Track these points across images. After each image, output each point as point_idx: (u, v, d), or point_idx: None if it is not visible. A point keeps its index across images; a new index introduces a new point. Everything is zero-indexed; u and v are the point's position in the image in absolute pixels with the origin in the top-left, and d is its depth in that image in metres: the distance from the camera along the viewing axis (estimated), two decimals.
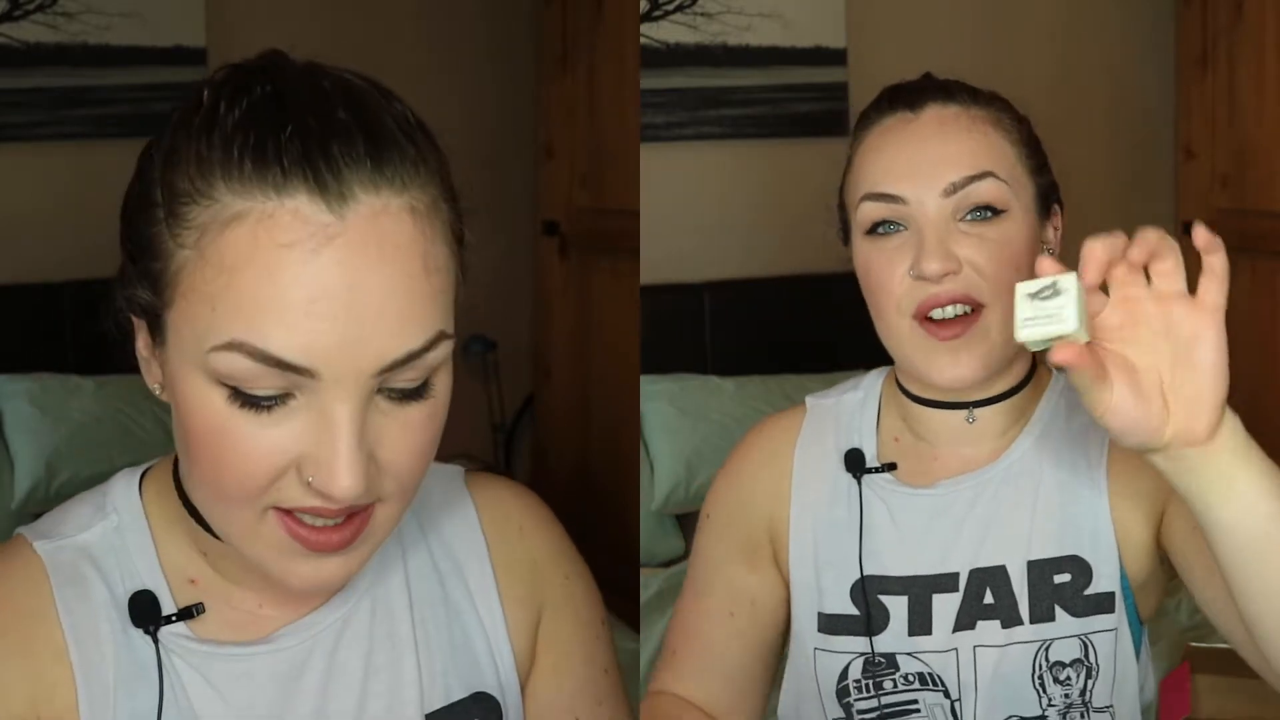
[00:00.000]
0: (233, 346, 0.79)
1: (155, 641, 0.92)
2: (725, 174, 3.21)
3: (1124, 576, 1.18)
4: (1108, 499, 1.18)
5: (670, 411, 2.82)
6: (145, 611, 0.93)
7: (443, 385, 0.86)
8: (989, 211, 1.15)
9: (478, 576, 1.04)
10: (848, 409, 1.29)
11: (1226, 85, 3.23)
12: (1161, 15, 3.43)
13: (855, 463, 1.25)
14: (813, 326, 3.09)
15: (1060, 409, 1.23)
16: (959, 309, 1.14)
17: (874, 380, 1.30)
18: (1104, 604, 1.18)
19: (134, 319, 0.88)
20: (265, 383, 0.80)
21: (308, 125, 0.80)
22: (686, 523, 2.82)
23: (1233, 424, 0.88)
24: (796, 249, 3.19)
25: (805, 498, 1.26)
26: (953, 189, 1.14)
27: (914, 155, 1.16)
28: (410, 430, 0.84)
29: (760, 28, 3.16)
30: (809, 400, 1.32)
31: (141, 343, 0.88)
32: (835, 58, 3.20)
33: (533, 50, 3.67)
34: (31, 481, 2.73)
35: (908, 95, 1.20)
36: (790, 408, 1.34)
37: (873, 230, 1.17)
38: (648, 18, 3.10)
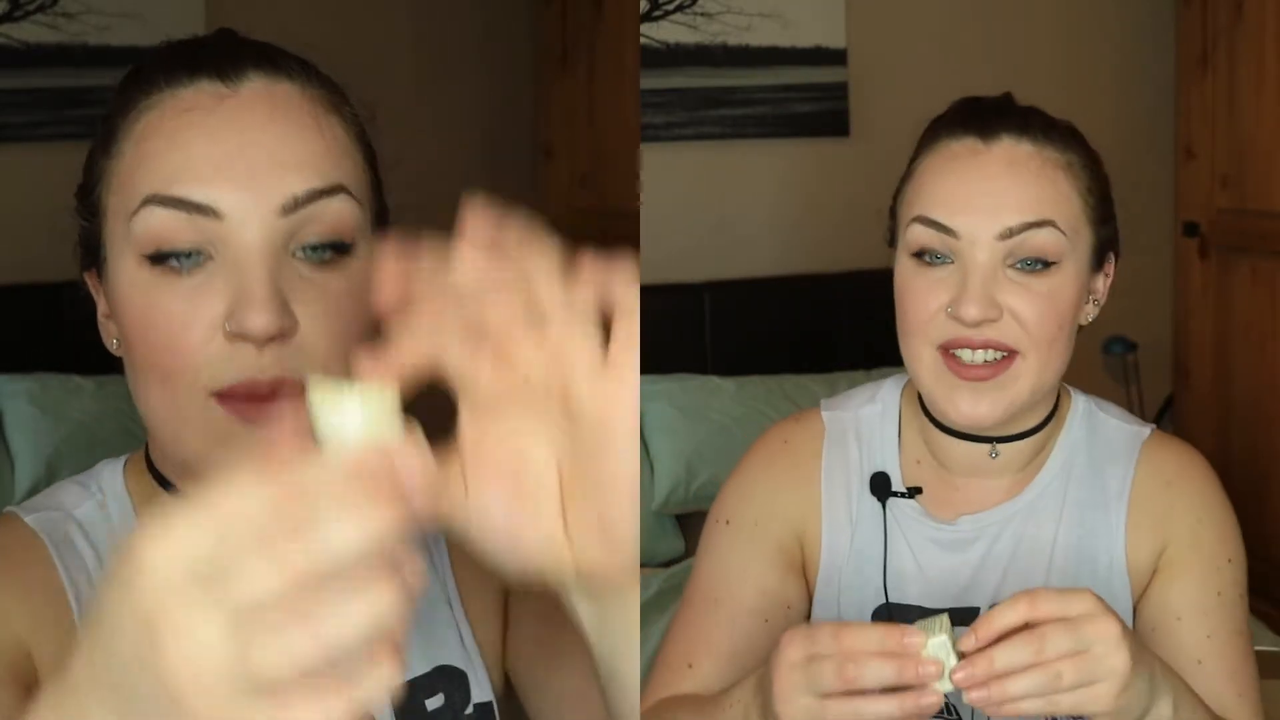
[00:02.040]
0: (146, 201, 0.86)
1: None
2: (725, 174, 3.21)
3: (1133, 609, 1.19)
4: (1125, 535, 1.19)
5: (670, 411, 2.82)
6: None
7: (363, 268, 0.89)
8: (1040, 264, 1.11)
9: (438, 550, 1.06)
10: (868, 424, 1.25)
11: (1226, 85, 3.23)
12: (1161, 15, 3.43)
13: (882, 487, 1.22)
14: (813, 326, 3.09)
15: (1081, 443, 1.22)
16: (990, 354, 1.11)
17: (892, 393, 1.26)
18: None
19: (91, 284, 0.94)
20: (181, 237, 0.86)
21: (211, 43, 0.93)
22: (686, 523, 2.82)
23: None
24: (797, 249, 3.19)
25: (834, 517, 1.23)
26: (1009, 233, 1.10)
27: (976, 190, 1.12)
28: (329, 297, 0.88)
29: (760, 28, 3.17)
30: (825, 413, 1.27)
31: (100, 307, 0.94)
32: (835, 58, 3.20)
33: (533, 50, 3.67)
34: (31, 481, 2.73)
35: (983, 120, 1.14)
36: (803, 414, 1.29)
37: (919, 254, 1.13)
38: (648, 18, 3.10)
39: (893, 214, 1.19)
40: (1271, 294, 3.13)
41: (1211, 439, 3.25)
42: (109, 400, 2.81)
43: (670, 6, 3.13)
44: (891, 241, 1.19)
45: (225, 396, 0.86)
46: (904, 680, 0.86)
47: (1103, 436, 1.23)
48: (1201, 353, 3.36)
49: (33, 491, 2.71)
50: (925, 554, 1.20)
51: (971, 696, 0.87)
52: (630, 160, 3.21)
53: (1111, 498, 1.20)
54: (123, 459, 1.03)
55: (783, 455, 1.26)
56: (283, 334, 0.86)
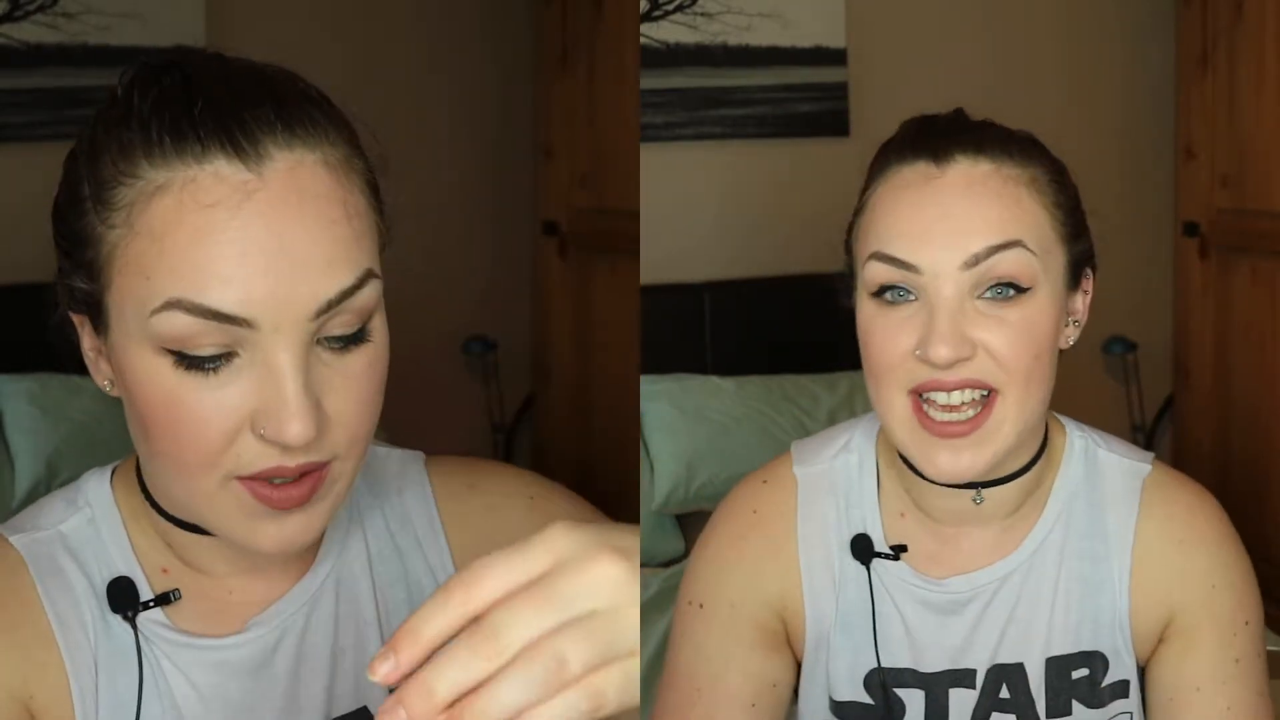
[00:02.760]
0: (171, 305, 0.82)
1: (134, 627, 0.94)
2: (725, 174, 3.21)
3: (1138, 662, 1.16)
4: (1129, 585, 1.13)
5: (670, 411, 2.82)
6: (123, 597, 0.95)
7: (379, 332, 0.89)
8: (1011, 289, 1.02)
9: (434, 549, 1.06)
10: (843, 477, 1.17)
11: (1226, 85, 3.23)
12: (1161, 15, 3.43)
13: (863, 551, 1.14)
14: (813, 326, 3.07)
15: (1080, 487, 1.15)
16: (967, 394, 1.03)
17: (865, 440, 1.18)
18: (1120, 691, 1.15)
19: (76, 321, 0.92)
20: (207, 340, 0.83)
21: (218, 98, 0.85)
22: (686, 523, 2.82)
23: None
24: (797, 249, 3.19)
25: (816, 584, 1.15)
26: (974, 260, 1.01)
27: (934, 219, 1.03)
28: (353, 380, 0.87)
29: (760, 28, 3.16)
30: (796, 469, 1.18)
31: (87, 342, 0.93)
32: (835, 58, 3.20)
33: (533, 50, 3.66)
34: (31, 481, 2.73)
35: (934, 142, 1.06)
36: (772, 472, 1.20)
37: (880, 292, 1.05)
38: (648, 18, 3.10)
39: (848, 249, 1.12)
40: (1271, 294, 3.13)
41: (1211, 439, 3.25)
42: (109, 400, 2.80)
43: (670, 6, 3.12)
44: (850, 290, 1.11)
45: (246, 479, 0.86)
46: None
47: (1102, 477, 1.16)
48: (1201, 353, 3.36)
49: (32, 491, 2.71)
50: (915, 616, 1.14)
51: None
52: (630, 160, 3.21)
53: (1114, 549, 1.13)
54: (109, 470, 1.02)
55: (754, 529, 1.17)
56: (318, 436, 0.85)
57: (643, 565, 2.69)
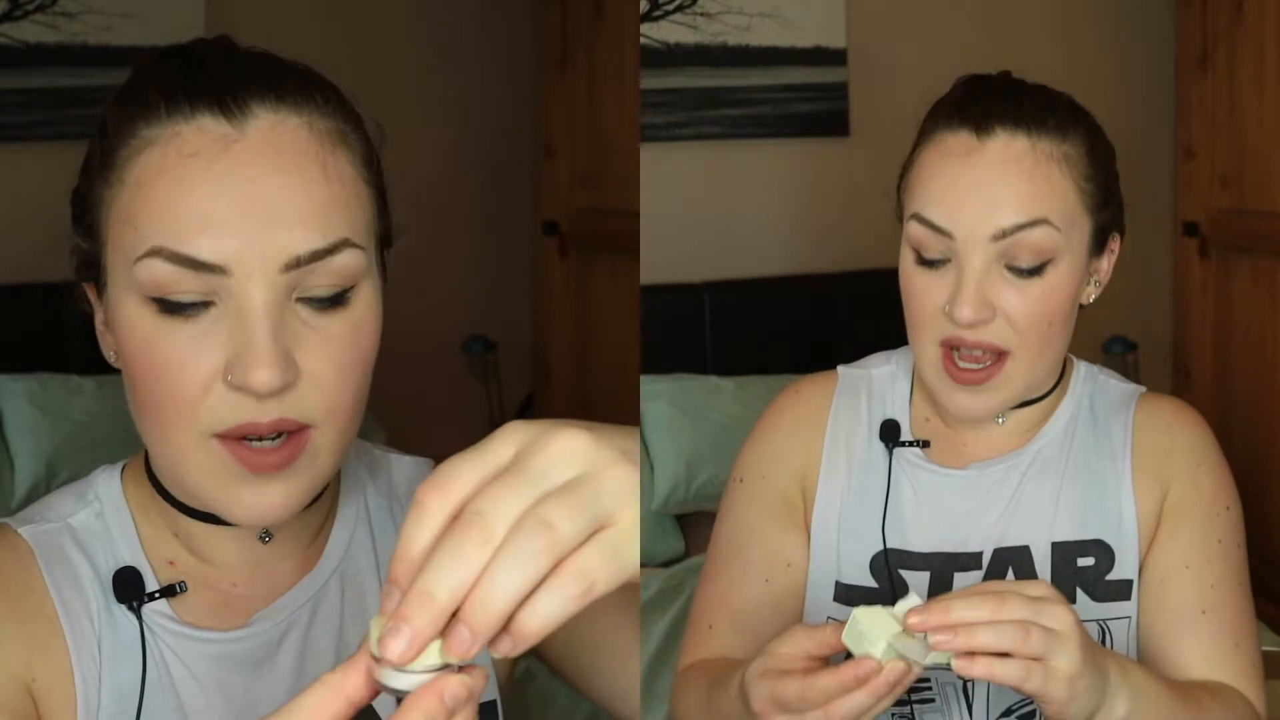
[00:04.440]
0: (152, 253, 0.86)
1: (139, 617, 0.95)
2: (725, 174, 3.21)
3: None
4: (1131, 485, 1.21)
5: (670, 411, 2.82)
6: (129, 587, 0.96)
7: (364, 304, 0.91)
8: (1035, 263, 1.13)
9: None
10: (880, 381, 1.29)
11: (1226, 85, 3.23)
12: (1161, 15, 3.43)
13: (890, 433, 1.25)
14: (813, 326, 3.09)
15: (1085, 397, 1.25)
16: (980, 355, 1.14)
17: (905, 356, 1.29)
18: (1123, 591, 1.20)
19: (89, 294, 0.95)
20: (186, 286, 0.86)
21: (215, 68, 0.90)
22: (686, 523, 2.82)
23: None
24: (797, 249, 3.20)
25: (835, 461, 1.26)
26: (1003, 234, 1.11)
27: (969, 192, 1.13)
28: (331, 341, 0.89)
29: (760, 28, 3.16)
30: (841, 369, 1.31)
31: (99, 317, 0.94)
32: (835, 58, 3.20)
33: (533, 50, 3.67)
34: (31, 481, 2.73)
35: (979, 111, 1.15)
36: (820, 373, 1.32)
37: (918, 252, 1.16)
38: (648, 18, 3.10)
39: (899, 192, 1.21)
40: (1271, 294, 3.13)
41: None
42: (109, 400, 2.81)
43: (670, 6, 3.13)
44: (900, 217, 1.20)
45: (224, 437, 0.88)
46: (880, 696, 0.89)
47: (1103, 393, 1.26)
48: (1201, 353, 3.36)
49: (32, 491, 2.71)
50: (929, 498, 1.22)
51: (936, 639, 0.89)
52: (630, 160, 3.21)
53: (1116, 446, 1.23)
54: (119, 466, 1.03)
55: (793, 405, 1.30)
56: (285, 387, 0.86)
57: (643, 565, 2.69)
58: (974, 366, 1.15)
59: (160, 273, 0.86)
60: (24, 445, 2.76)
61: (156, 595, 0.96)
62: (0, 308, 2.99)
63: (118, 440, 2.77)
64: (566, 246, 3.56)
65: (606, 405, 3.36)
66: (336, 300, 0.89)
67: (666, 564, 2.71)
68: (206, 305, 0.86)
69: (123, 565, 0.97)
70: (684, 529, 2.82)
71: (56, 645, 0.93)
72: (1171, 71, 3.42)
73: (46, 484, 2.72)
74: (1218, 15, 3.24)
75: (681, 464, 2.78)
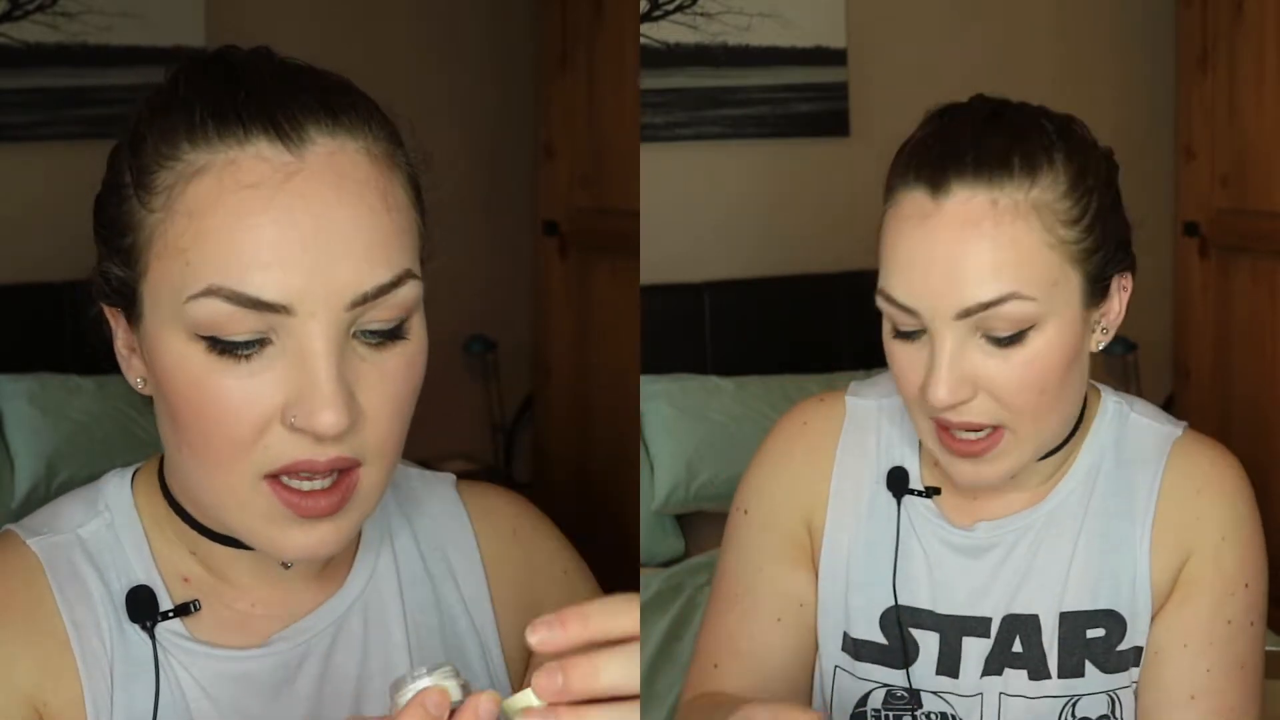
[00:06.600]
0: (210, 292, 0.82)
1: (152, 637, 0.92)
2: (725, 174, 3.21)
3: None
4: (1149, 553, 1.13)
5: (670, 411, 2.82)
6: (142, 607, 0.93)
7: (417, 334, 0.88)
8: (1014, 330, 1.02)
9: (471, 582, 1.04)
10: (889, 418, 1.19)
11: (1226, 85, 3.23)
12: (1161, 15, 3.43)
13: (898, 483, 1.16)
14: (813, 326, 3.09)
15: (1109, 447, 1.16)
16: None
17: None
18: (1133, 659, 1.14)
19: (111, 316, 0.90)
20: (242, 326, 0.82)
21: (262, 85, 0.85)
22: (686, 523, 2.82)
23: None
24: (796, 249, 3.19)
25: (841, 508, 1.18)
26: (967, 313, 1.01)
27: (928, 266, 1.01)
28: (388, 377, 0.86)
29: (760, 28, 3.16)
30: (849, 400, 1.21)
31: (121, 340, 0.91)
32: (835, 58, 3.20)
33: (533, 50, 3.67)
34: (31, 481, 2.73)
35: (934, 163, 1.03)
36: (829, 396, 1.24)
37: (894, 327, 1.07)
38: (648, 18, 3.10)
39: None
40: (1271, 294, 3.13)
41: (1211, 439, 3.24)
42: (109, 400, 2.81)
43: (670, 6, 3.12)
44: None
45: (275, 477, 0.85)
46: None
47: (1132, 439, 1.17)
48: (1201, 353, 3.36)
49: (32, 491, 2.71)
50: (937, 557, 1.16)
51: None
52: (630, 160, 3.21)
53: (1139, 508, 1.14)
54: (130, 471, 0.99)
55: (800, 439, 1.21)
56: (350, 427, 0.84)
57: (643, 565, 2.69)
58: (971, 436, 1.05)
59: (217, 312, 0.82)
60: (24, 445, 2.76)
61: (170, 615, 0.93)
62: (0, 308, 2.99)
63: (118, 440, 2.77)
64: (566, 246, 3.56)
65: (606, 405, 3.37)
66: (394, 334, 0.86)
67: (666, 564, 2.71)
68: (262, 343, 0.83)
69: (135, 582, 0.93)
70: (684, 529, 2.82)
71: (67, 666, 0.90)
72: (1171, 71, 3.42)
73: (46, 484, 2.72)
74: (1218, 15, 3.24)
75: (681, 464, 2.78)
